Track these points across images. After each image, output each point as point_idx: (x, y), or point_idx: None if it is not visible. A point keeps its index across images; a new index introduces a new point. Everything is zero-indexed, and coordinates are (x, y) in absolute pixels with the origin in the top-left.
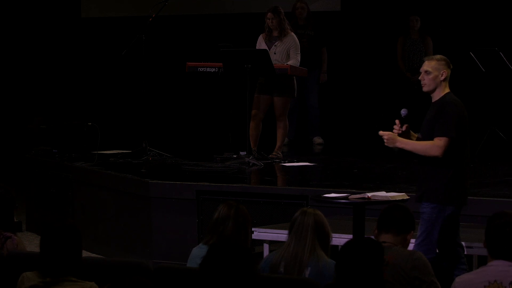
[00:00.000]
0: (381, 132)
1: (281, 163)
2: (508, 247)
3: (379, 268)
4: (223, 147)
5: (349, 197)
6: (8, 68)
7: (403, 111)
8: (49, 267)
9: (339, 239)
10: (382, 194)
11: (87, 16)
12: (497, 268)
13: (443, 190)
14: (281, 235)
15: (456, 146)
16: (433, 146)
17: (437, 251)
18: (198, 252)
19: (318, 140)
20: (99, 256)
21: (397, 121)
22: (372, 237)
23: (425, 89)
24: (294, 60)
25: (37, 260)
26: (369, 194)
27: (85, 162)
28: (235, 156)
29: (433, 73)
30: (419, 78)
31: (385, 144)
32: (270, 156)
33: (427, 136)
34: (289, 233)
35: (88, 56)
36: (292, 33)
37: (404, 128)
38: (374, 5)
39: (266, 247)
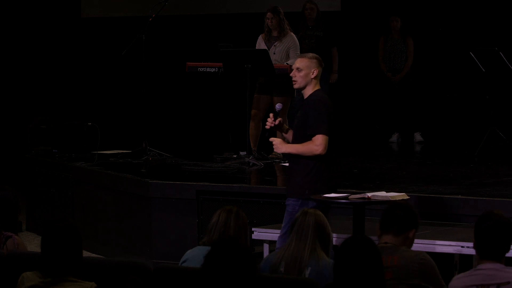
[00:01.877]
0: (271, 139)
1: (281, 163)
2: (498, 248)
3: (375, 266)
4: (223, 147)
5: (349, 197)
6: (8, 68)
7: (278, 106)
8: (50, 267)
9: (339, 239)
10: (382, 194)
11: (87, 16)
12: (485, 271)
13: (307, 186)
14: None
15: None
16: (313, 146)
17: None
18: (197, 253)
19: None
20: (99, 256)
21: (271, 115)
22: (374, 237)
23: (296, 86)
24: (294, 60)
25: (37, 260)
26: (369, 194)
27: (85, 162)
28: (235, 156)
29: (304, 70)
30: (291, 75)
31: (274, 149)
32: (270, 156)
33: (298, 131)
34: (290, 233)
35: (88, 56)
36: (292, 33)
37: (277, 122)
38: (374, 5)
39: (266, 247)
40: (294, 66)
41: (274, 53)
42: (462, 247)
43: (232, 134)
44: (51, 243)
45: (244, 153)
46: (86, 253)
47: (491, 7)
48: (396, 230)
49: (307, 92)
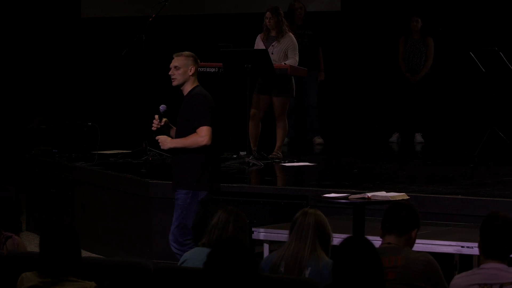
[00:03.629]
0: (157, 137)
1: (281, 163)
2: (503, 248)
3: (374, 266)
4: (223, 147)
5: (349, 197)
6: (8, 68)
7: (162, 107)
8: (49, 267)
9: (339, 239)
10: (382, 194)
11: (87, 16)
12: (488, 271)
13: (195, 177)
14: (281, 235)
15: None
16: (199, 137)
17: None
18: (196, 254)
19: (318, 140)
20: (99, 256)
21: (156, 116)
22: (375, 237)
23: (174, 83)
24: (293, 60)
25: (37, 260)
26: (369, 194)
27: (85, 162)
28: (235, 156)
29: (182, 68)
30: (169, 73)
31: (161, 146)
32: (270, 156)
33: (181, 127)
34: (290, 233)
35: (88, 56)
36: (290, 34)
37: (162, 122)
38: (374, 5)
39: (266, 247)
40: (171, 65)
41: (272, 53)
42: (462, 247)
43: (232, 134)
44: (49, 243)
45: (244, 153)
46: (86, 253)
47: (491, 7)
48: (399, 231)
49: (187, 89)
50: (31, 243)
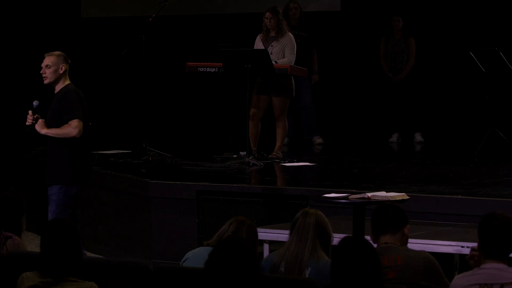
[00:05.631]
0: (38, 121)
1: (281, 163)
2: (503, 248)
3: (372, 266)
4: (223, 147)
5: (349, 197)
6: (8, 68)
7: (35, 103)
8: (49, 267)
9: (339, 239)
10: (382, 194)
11: (87, 16)
12: (488, 271)
13: (67, 172)
14: (281, 235)
15: None
16: (69, 129)
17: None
18: (199, 252)
19: (318, 140)
20: (99, 256)
21: (30, 112)
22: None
23: (46, 81)
24: (287, 59)
25: (37, 260)
26: (369, 194)
27: None
28: (235, 156)
29: (52, 67)
30: (41, 72)
31: (36, 128)
32: (270, 156)
33: (52, 122)
34: (290, 233)
35: (88, 56)
36: (290, 33)
37: (35, 116)
38: (374, 5)
39: (266, 247)
40: (43, 64)
41: (271, 53)
42: (462, 247)
43: (232, 134)
44: (49, 243)
45: (244, 153)
46: (86, 253)
47: (491, 7)
48: (393, 230)
49: (58, 86)
50: (31, 243)
